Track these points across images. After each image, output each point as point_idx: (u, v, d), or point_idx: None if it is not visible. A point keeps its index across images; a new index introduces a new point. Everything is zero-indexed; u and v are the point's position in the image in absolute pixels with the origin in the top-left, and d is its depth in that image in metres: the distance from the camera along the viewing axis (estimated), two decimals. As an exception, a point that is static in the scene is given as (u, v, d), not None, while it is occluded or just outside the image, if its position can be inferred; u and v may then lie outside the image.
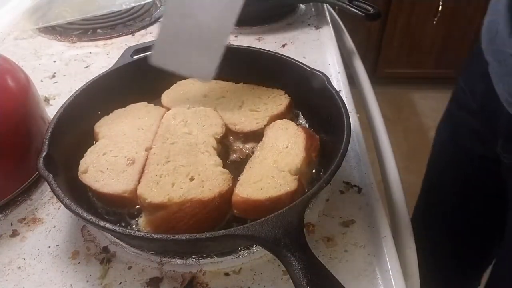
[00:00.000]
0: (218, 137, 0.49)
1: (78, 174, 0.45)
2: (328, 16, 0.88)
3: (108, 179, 0.44)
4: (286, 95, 0.56)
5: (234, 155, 0.51)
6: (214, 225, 0.42)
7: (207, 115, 0.52)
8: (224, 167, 0.45)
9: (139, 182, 0.43)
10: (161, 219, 0.41)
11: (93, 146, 0.48)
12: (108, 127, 0.51)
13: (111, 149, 0.47)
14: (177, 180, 0.43)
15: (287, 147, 0.47)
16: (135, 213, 0.44)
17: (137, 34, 0.84)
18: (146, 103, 0.55)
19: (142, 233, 0.37)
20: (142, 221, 0.42)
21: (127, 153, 0.47)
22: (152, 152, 0.46)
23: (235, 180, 0.45)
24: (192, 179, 0.43)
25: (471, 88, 0.68)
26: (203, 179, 0.43)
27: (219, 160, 0.46)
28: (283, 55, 0.57)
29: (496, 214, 0.71)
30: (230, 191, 0.42)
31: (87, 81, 0.53)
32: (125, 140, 0.49)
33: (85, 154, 0.47)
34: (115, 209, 0.44)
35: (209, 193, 0.41)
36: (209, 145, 0.47)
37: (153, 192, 0.41)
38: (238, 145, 0.52)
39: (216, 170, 0.44)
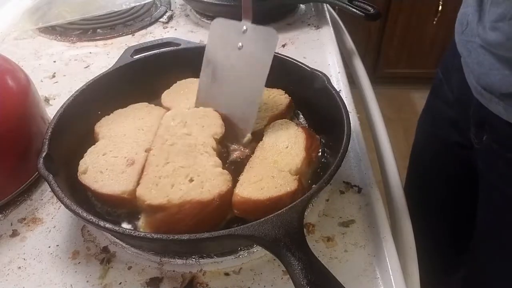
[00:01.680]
0: (218, 137, 0.49)
1: (78, 174, 0.45)
2: (328, 16, 0.88)
3: (107, 180, 0.44)
4: (286, 95, 0.56)
5: (234, 155, 0.51)
6: (214, 225, 0.42)
7: (206, 115, 0.52)
8: (224, 167, 0.45)
9: (138, 183, 0.43)
10: (160, 221, 0.40)
11: (93, 147, 0.48)
12: (108, 127, 0.51)
13: (110, 150, 0.47)
14: (176, 181, 0.42)
15: (287, 147, 0.47)
16: (135, 214, 0.44)
17: (137, 34, 0.84)
18: (146, 103, 0.55)
19: (142, 233, 0.37)
20: (141, 222, 0.42)
21: (126, 153, 0.47)
22: (152, 154, 0.46)
23: (235, 180, 0.45)
24: (191, 180, 0.43)
25: (447, 80, 0.71)
26: (203, 180, 0.42)
27: (218, 161, 0.45)
28: (283, 55, 0.57)
29: (471, 195, 0.74)
30: (229, 192, 0.42)
31: (87, 81, 0.53)
32: (125, 140, 0.49)
33: (84, 154, 0.47)
34: (115, 210, 0.44)
35: (209, 194, 0.41)
36: (208, 145, 0.47)
37: (152, 193, 0.41)
38: (238, 145, 0.52)
39: (215, 171, 0.44)
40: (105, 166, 0.45)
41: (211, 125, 0.50)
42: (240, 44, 0.50)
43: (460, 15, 0.64)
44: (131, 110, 0.54)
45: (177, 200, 0.40)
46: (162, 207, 0.40)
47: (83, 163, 0.46)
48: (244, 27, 0.50)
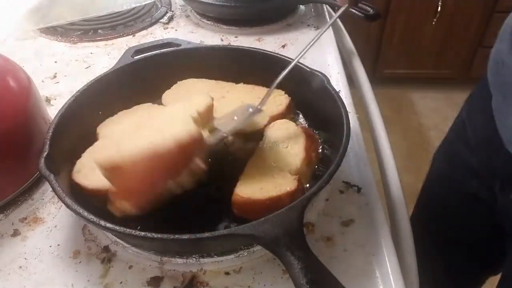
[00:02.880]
0: (201, 109, 0.45)
1: (72, 173, 0.45)
2: (327, 17, 0.88)
3: (97, 176, 0.43)
4: (286, 95, 0.56)
5: (234, 155, 0.52)
6: (174, 175, 0.40)
7: (198, 97, 0.48)
8: (224, 166, 0.45)
9: None
10: (119, 184, 0.39)
11: (91, 147, 0.48)
12: (109, 127, 0.51)
13: (105, 149, 0.47)
14: (138, 140, 0.40)
15: (287, 147, 0.48)
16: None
17: (137, 34, 0.85)
18: (150, 103, 0.55)
19: (143, 233, 0.37)
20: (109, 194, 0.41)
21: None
22: (123, 129, 0.44)
23: (235, 180, 0.45)
24: (150, 134, 0.40)
25: (471, 122, 0.63)
26: (164, 129, 0.39)
27: (190, 122, 0.41)
28: (283, 55, 0.57)
29: (489, 251, 0.66)
30: (191, 141, 0.39)
31: (88, 81, 0.53)
32: (121, 138, 0.48)
33: (82, 154, 0.47)
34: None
35: (166, 142, 0.38)
36: (187, 113, 0.43)
37: (108, 154, 0.39)
38: (238, 145, 0.52)
39: (179, 122, 0.40)
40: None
41: (196, 101, 0.47)
42: None
43: (494, 53, 0.54)
44: (135, 110, 0.54)
45: (127, 153, 0.38)
46: (116, 166, 0.38)
47: (79, 163, 0.46)
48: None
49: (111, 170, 0.39)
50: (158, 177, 0.39)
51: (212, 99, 0.48)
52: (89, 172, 0.45)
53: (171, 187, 0.41)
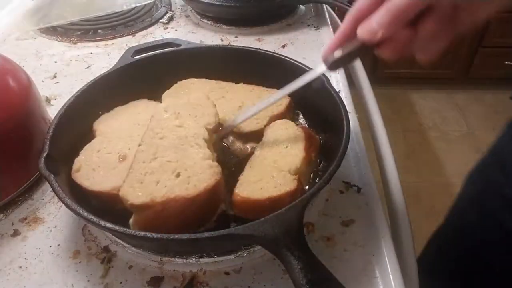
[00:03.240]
0: (211, 127, 0.47)
1: (71, 173, 0.44)
2: (327, 16, 0.88)
3: (98, 177, 0.43)
4: (286, 95, 0.56)
5: (234, 155, 0.52)
6: (205, 220, 0.41)
7: (200, 104, 0.49)
8: (224, 166, 0.45)
9: None
10: (147, 219, 0.39)
11: (88, 144, 0.48)
12: (105, 124, 0.50)
13: (105, 146, 0.47)
14: (162, 177, 0.40)
15: (287, 147, 0.48)
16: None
17: (137, 34, 0.85)
18: (146, 99, 0.55)
19: (143, 233, 0.37)
20: (131, 220, 0.41)
21: (120, 149, 0.46)
22: (140, 149, 0.44)
23: (235, 180, 0.45)
24: (178, 175, 0.41)
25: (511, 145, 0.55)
26: (190, 175, 0.40)
27: (208, 153, 0.43)
28: (283, 55, 0.57)
29: None
30: (217, 185, 0.40)
31: (88, 81, 0.53)
32: (120, 136, 0.48)
33: (80, 152, 0.47)
34: (113, 207, 0.44)
35: (194, 190, 0.39)
36: (200, 137, 0.45)
37: (135, 192, 0.39)
38: (238, 145, 0.52)
39: (204, 164, 0.41)
40: (98, 163, 0.45)
41: (204, 114, 0.48)
42: None
43: None
44: (130, 106, 0.53)
45: (160, 198, 0.38)
46: (146, 206, 0.38)
47: (77, 161, 0.45)
48: None
49: (139, 208, 0.39)
50: (187, 225, 0.39)
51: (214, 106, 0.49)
52: (89, 172, 0.44)
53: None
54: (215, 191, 0.41)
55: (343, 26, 0.38)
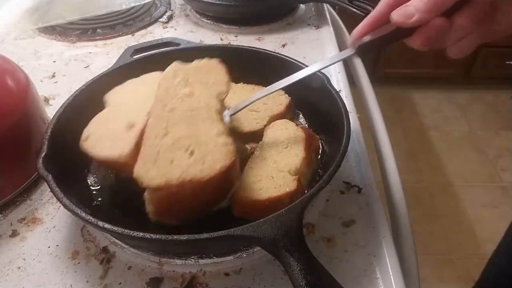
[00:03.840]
0: (223, 97, 0.45)
1: (80, 143, 0.44)
2: (328, 16, 0.88)
3: (105, 145, 0.42)
4: (286, 95, 0.56)
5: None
6: (219, 200, 0.41)
7: (211, 70, 0.47)
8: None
9: (135, 146, 0.41)
10: (161, 199, 0.38)
11: (97, 115, 0.47)
12: (116, 95, 0.49)
13: (114, 116, 0.46)
14: (175, 156, 0.39)
15: (287, 147, 0.47)
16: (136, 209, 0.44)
17: (137, 34, 0.84)
18: (159, 72, 0.53)
19: (141, 234, 0.37)
20: (145, 196, 0.40)
21: (128, 118, 0.45)
22: (150, 123, 0.42)
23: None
24: (192, 153, 0.39)
25: None
26: (204, 154, 0.39)
27: (222, 128, 0.41)
28: (283, 55, 0.57)
29: None
30: (233, 165, 0.39)
31: (87, 81, 0.53)
32: (129, 106, 0.47)
33: (89, 122, 0.46)
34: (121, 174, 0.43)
35: (209, 171, 0.37)
36: (212, 109, 0.42)
37: (150, 174, 0.38)
38: (238, 145, 0.52)
39: (218, 141, 0.40)
40: (105, 132, 0.44)
41: (215, 82, 0.45)
42: None
43: None
44: (143, 78, 0.52)
45: (175, 181, 0.37)
46: (161, 188, 0.37)
47: (86, 131, 0.45)
48: None
49: (152, 190, 0.38)
50: (203, 204, 0.39)
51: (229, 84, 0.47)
52: (96, 140, 0.43)
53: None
54: (231, 171, 0.39)
55: (376, 10, 0.38)
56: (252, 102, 0.47)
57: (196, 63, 0.48)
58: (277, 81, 0.56)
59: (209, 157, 0.39)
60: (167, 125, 0.41)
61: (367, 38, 0.38)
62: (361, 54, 0.40)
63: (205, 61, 0.48)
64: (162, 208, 0.39)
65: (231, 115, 0.47)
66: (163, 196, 0.38)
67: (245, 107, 0.48)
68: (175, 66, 0.47)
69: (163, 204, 0.39)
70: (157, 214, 0.40)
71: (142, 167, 0.39)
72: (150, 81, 0.50)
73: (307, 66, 0.54)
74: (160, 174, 0.38)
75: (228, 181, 0.40)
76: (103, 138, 0.43)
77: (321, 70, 0.52)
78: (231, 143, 0.40)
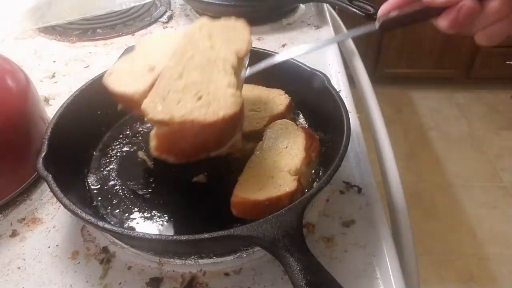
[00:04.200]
0: (241, 55, 0.46)
1: (103, 78, 0.46)
2: (328, 16, 0.88)
3: (124, 82, 0.44)
4: (286, 95, 0.56)
5: (234, 155, 0.51)
6: (218, 146, 0.42)
7: (236, 28, 0.48)
8: (223, 167, 0.45)
9: (150, 86, 0.42)
10: (164, 135, 0.40)
11: (125, 56, 0.49)
12: (148, 41, 0.51)
13: (138, 58, 0.48)
14: (184, 97, 0.40)
15: (287, 147, 0.47)
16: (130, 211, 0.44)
17: (137, 34, 0.84)
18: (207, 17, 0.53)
19: (141, 233, 0.37)
20: (152, 132, 0.42)
21: (150, 62, 0.46)
22: (168, 66, 0.44)
23: (234, 180, 0.44)
24: (199, 98, 0.40)
25: None
26: (211, 100, 0.40)
27: (233, 81, 0.42)
28: (283, 55, 0.57)
29: None
30: (235, 116, 0.40)
31: (87, 81, 0.53)
32: (155, 51, 0.48)
33: (117, 60, 0.48)
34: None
35: (212, 116, 0.39)
36: (228, 63, 0.44)
37: (157, 108, 0.40)
38: (238, 145, 0.52)
39: (227, 91, 0.41)
40: (128, 71, 0.46)
41: (237, 40, 0.47)
42: None
43: None
44: (176, 31, 0.53)
45: (178, 118, 0.38)
46: (164, 123, 0.39)
47: (111, 69, 0.47)
48: None
49: (157, 123, 0.40)
50: (201, 147, 0.40)
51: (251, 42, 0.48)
52: (118, 77, 0.45)
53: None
54: (233, 121, 0.40)
55: None
56: (270, 64, 0.47)
57: (223, 20, 0.49)
58: (277, 81, 0.56)
59: (215, 103, 0.40)
60: (183, 70, 0.43)
61: (393, 14, 0.38)
62: (385, 29, 0.40)
63: (232, 20, 0.49)
64: (163, 144, 0.41)
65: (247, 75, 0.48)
66: (166, 132, 0.40)
67: (260, 68, 0.48)
68: (203, 20, 0.49)
69: (164, 140, 0.40)
70: (158, 150, 0.42)
71: (151, 101, 0.41)
72: (180, 33, 0.51)
73: (307, 66, 0.54)
74: (166, 110, 0.39)
75: (229, 130, 0.41)
76: (124, 76, 0.45)
77: (321, 70, 0.53)
78: (239, 95, 0.41)
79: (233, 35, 0.47)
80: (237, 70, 0.44)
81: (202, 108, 0.39)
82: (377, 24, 0.40)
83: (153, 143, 0.41)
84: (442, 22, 0.35)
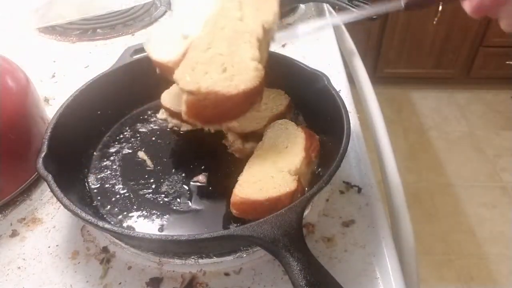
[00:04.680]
0: (268, 26, 0.48)
1: (143, 42, 0.48)
2: (328, 16, 0.88)
3: (160, 49, 0.46)
4: (286, 95, 0.56)
5: (234, 155, 0.51)
6: (238, 115, 0.44)
7: (266, 0, 0.50)
8: (223, 167, 0.45)
9: (183, 55, 0.45)
10: (192, 103, 0.42)
11: (165, 24, 0.52)
12: (184, 8, 0.53)
13: (176, 26, 0.49)
14: (210, 69, 0.43)
15: (287, 147, 0.47)
16: (128, 213, 0.44)
17: (137, 34, 0.84)
18: None
19: (141, 233, 0.37)
20: (183, 98, 0.44)
21: (185, 30, 0.48)
22: (199, 36, 0.46)
23: (234, 180, 0.44)
24: (224, 70, 0.43)
25: None
26: (234, 73, 0.43)
27: (257, 54, 0.44)
28: (283, 55, 0.57)
29: None
30: (256, 89, 0.42)
31: (87, 81, 0.53)
32: (191, 19, 0.49)
33: (156, 26, 0.51)
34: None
35: (234, 89, 0.41)
36: (255, 35, 0.46)
37: (186, 78, 0.42)
38: (238, 145, 0.52)
39: (250, 64, 0.43)
40: (166, 38, 0.48)
41: (265, 11, 0.49)
42: None
43: None
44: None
45: (204, 89, 0.41)
46: (192, 92, 0.42)
47: (151, 35, 0.49)
48: None
49: (186, 93, 0.42)
50: (223, 116, 0.44)
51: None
52: (155, 44, 0.47)
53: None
54: (253, 93, 0.42)
55: None
56: (302, 34, 0.48)
57: None
58: (277, 81, 0.56)
59: (237, 77, 0.42)
60: (212, 41, 0.45)
61: None
62: (410, 8, 0.40)
63: None
64: (191, 110, 0.43)
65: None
66: (193, 100, 0.43)
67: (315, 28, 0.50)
68: None
69: (192, 107, 0.43)
70: (187, 115, 0.44)
71: (182, 72, 0.44)
72: (213, 1, 0.52)
73: (307, 65, 0.54)
74: (194, 81, 0.42)
75: (249, 101, 0.43)
76: (161, 43, 0.47)
77: (321, 70, 0.52)
78: (261, 69, 0.44)
79: (262, 5, 0.49)
80: (262, 42, 0.46)
81: (225, 81, 0.42)
82: (402, 2, 0.40)
83: (183, 108, 0.44)
84: (467, 5, 0.34)
